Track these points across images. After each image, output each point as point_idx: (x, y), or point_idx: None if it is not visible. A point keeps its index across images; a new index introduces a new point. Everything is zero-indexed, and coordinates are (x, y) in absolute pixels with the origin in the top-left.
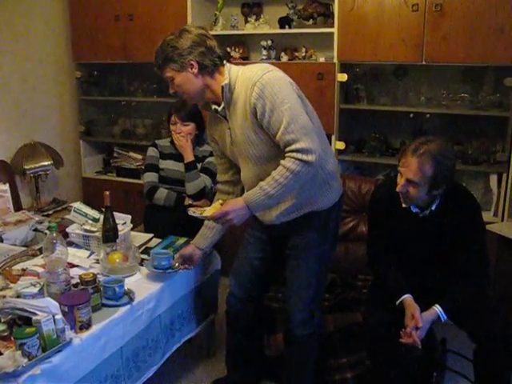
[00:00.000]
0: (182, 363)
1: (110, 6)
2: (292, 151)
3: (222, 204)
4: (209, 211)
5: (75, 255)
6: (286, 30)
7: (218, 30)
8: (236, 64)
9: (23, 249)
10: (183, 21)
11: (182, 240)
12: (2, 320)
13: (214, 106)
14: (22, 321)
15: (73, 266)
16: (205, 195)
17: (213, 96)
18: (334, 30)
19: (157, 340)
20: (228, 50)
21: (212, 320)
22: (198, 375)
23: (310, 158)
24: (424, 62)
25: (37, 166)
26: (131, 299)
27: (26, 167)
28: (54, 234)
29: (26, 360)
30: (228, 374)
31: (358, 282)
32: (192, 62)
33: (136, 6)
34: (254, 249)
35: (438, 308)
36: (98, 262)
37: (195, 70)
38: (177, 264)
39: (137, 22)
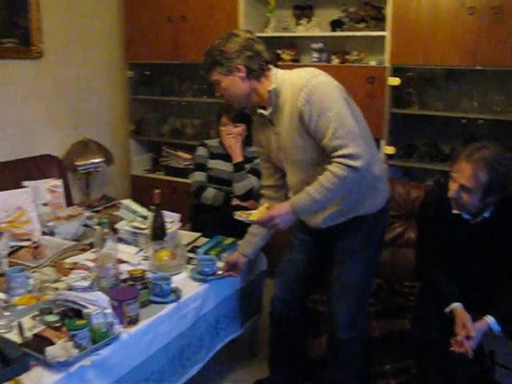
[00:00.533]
0: (225, 362)
1: (162, 7)
2: (339, 157)
3: (267, 208)
4: (255, 215)
5: (124, 251)
6: (338, 33)
7: (269, 32)
8: (283, 67)
9: (74, 243)
10: (235, 22)
11: (229, 240)
12: (55, 311)
13: (260, 110)
14: (72, 313)
15: (122, 261)
16: (253, 196)
17: (259, 100)
18: (387, 33)
19: (202, 338)
20: (279, 51)
21: (256, 320)
22: (240, 375)
23: (357, 163)
24: (478, 67)
25: (87, 162)
26: (178, 297)
27: (77, 164)
28: (106, 230)
29: (77, 351)
30: (270, 375)
31: (404, 289)
32: (239, 66)
33: (188, 7)
34: (299, 251)
35: (489, 319)
36: (146, 258)
37: (242, 74)
38: (220, 272)
39: (189, 23)
